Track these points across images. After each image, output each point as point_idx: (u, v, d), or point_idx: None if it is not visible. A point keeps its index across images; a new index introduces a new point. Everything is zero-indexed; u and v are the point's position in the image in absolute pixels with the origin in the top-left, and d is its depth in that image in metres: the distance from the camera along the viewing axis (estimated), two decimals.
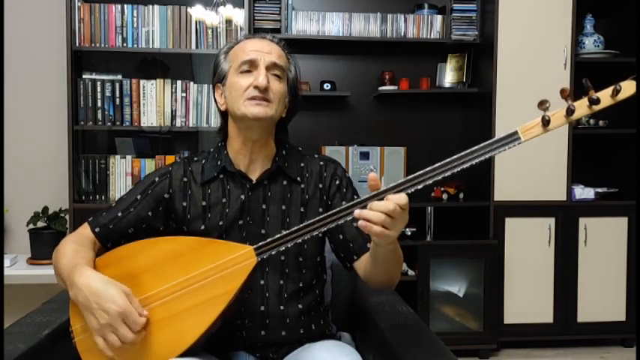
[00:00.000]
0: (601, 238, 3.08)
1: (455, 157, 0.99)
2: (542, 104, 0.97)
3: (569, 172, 3.05)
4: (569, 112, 0.97)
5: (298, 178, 1.31)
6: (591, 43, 3.16)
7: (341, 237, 1.28)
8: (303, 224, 1.05)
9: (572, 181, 3.08)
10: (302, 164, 1.33)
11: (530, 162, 3.02)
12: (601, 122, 3.21)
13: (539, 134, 0.98)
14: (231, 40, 1.34)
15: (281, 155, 1.31)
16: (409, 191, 1.00)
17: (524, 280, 3.04)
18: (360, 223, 0.99)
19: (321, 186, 1.32)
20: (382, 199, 0.99)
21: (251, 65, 1.24)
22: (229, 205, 1.27)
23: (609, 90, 0.96)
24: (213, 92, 1.33)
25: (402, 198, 0.97)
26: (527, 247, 3.04)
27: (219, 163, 1.30)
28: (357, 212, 0.99)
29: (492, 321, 2.96)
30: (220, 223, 1.26)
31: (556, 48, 3.02)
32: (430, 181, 1.00)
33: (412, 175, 1.00)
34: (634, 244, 3.06)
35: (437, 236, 3.04)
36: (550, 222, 3.05)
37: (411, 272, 2.95)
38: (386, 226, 0.98)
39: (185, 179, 1.30)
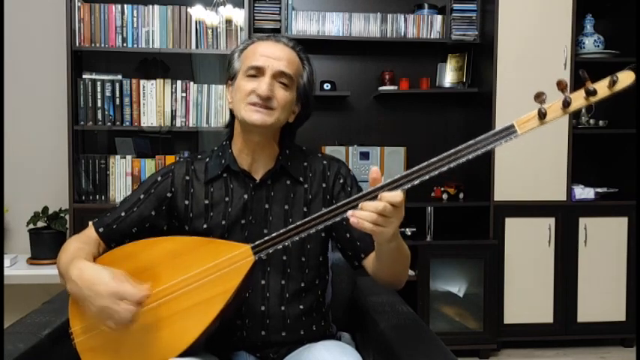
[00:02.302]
0: (601, 238, 3.07)
1: (451, 151, 0.98)
2: (539, 97, 0.95)
3: (569, 172, 3.04)
4: (566, 104, 0.95)
5: (301, 178, 1.30)
6: (591, 43, 3.16)
7: (348, 235, 1.28)
8: (299, 222, 1.05)
9: (572, 181, 3.08)
10: (305, 164, 1.33)
11: (530, 162, 3.02)
12: (601, 122, 3.21)
13: (536, 127, 0.96)
14: (247, 39, 1.32)
15: (284, 155, 1.31)
16: (406, 187, 0.99)
17: (524, 280, 3.04)
18: (352, 220, 0.98)
19: (324, 185, 1.31)
20: (377, 196, 0.98)
21: (258, 71, 1.22)
22: (232, 204, 1.27)
23: (606, 81, 0.95)
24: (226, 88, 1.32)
25: (395, 196, 0.96)
26: (527, 247, 3.04)
27: (223, 161, 1.29)
28: (349, 213, 0.99)
29: (492, 321, 2.96)
30: (223, 222, 1.26)
31: (556, 48, 3.02)
32: (427, 177, 0.98)
33: (408, 171, 0.99)
34: (634, 244, 3.06)
35: (437, 236, 3.04)
36: (550, 222, 3.05)
37: (411, 272, 2.95)
38: (379, 224, 0.97)
39: (187, 178, 1.30)
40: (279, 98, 1.22)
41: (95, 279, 1.06)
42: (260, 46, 1.26)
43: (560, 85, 0.95)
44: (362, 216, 0.97)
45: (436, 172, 0.98)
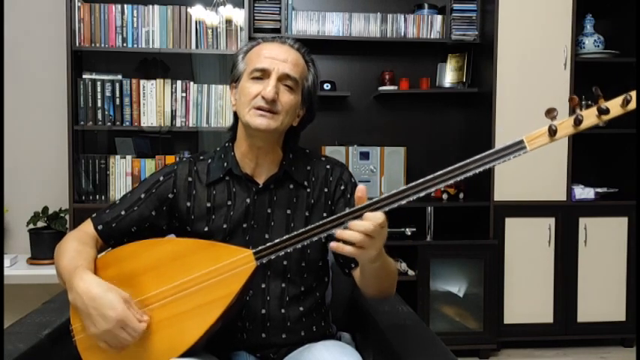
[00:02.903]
0: (601, 238, 3.08)
1: (457, 165, 0.98)
2: (550, 113, 0.93)
3: (569, 172, 3.05)
4: (577, 121, 0.93)
5: (305, 183, 1.29)
6: (591, 43, 3.16)
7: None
8: (301, 230, 1.05)
9: (572, 181, 3.08)
10: (308, 167, 1.32)
11: (530, 162, 3.01)
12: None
13: (546, 144, 0.95)
14: (253, 41, 1.30)
15: (288, 159, 1.30)
16: (412, 198, 0.99)
17: (524, 280, 3.04)
18: (332, 244, 0.99)
19: (326, 190, 1.30)
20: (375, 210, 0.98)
21: (263, 73, 1.20)
22: (234, 208, 1.26)
23: (619, 99, 0.93)
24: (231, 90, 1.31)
25: (377, 217, 0.97)
26: (527, 247, 3.04)
27: (225, 164, 1.28)
28: (337, 232, 0.99)
29: (492, 321, 2.96)
30: (224, 225, 1.25)
31: (556, 48, 3.02)
32: (433, 189, 0.99)
33: (414, 183, 0.99)
34: (634, 244, 3.06)
35: (437, 236, 3.04)
36: (550, 222, 3.05)
37: (411, 272, 2.95)
38: (364, 246, 0.98)
39: (190, 179, 1.29)
40: (284, 102, 1.20)
41: (103, 300, 1.05)
42: (265, 47, 1.24)
43: (573, 102, 0.93)
44: (347, 236, 0.97)
45: (441, 185, 1.00)
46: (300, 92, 1.25)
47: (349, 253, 0.98)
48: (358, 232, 0.97)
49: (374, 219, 0.97)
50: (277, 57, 1.21)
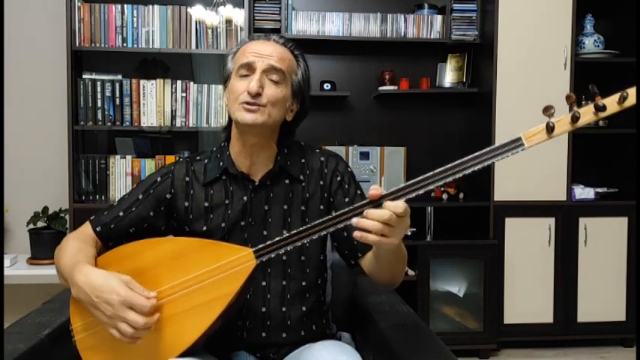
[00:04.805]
0: (601, 238, 3.08)
1: (456, 162, 0.98)
2: (547, 110, 0.94)
3: (569, 172, 3.05)
4: (575, 118, 0.94)
5: (300, 177, 1.30)
6: (591, 43, 3.16)
7: (345, 234, 1.27)
8: (302, 228, 1.05)
9: (572, 181, 3.08)
10: (303, 160, 1.32)
11: (530, 162, 3.01)
12: (601, 122, 3.20)
13: (543, 140, 0.96)
14: (241, 41, 1.32)
15: (283, 154, 1.30)
16: (410, 196, 0.99)
17: (524, 280, 3.04)
18: (356, 234, 0.98)
19: (322, 183, 1.31)
20: (380, 204, 0.98)
21: (248, 69, 1.22)
22: (232, 207, 1.26)
23: (616, 97, 0.94)
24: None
25: (398, 206, 0.96)
26: (527, 247, 3.04)
27: (221, 164, 1.29)
28: (354, 220, 0.98)
29: (492, 321, 2.96)
30: (222, 224, 1.26)
31: (556, 48, 3.02)
32: (431, 187, 0.99)
33: (411, 181, 0.99)
34: (634, 244, 3.06)
35: (437, 236, 3.04)
36: (550, 222, 3.05)
37: (411, 272, 2.95)
38: (384, 234, 0.97)
39: (187, 179, 1.30)
40: (269, 95, 1.21)
41: (104, 286, 1.06)
42: (250, 44, 1.26)
43: (570, 100, 0.94)
44: (367, 225, 0.96)
45: (441, 183, 0.99)
46: (289, 86, 1.25)
47: (372, 241, 0.98)
48: (376, 220, 0.96)
49: (393, 208, 0.96)
50: (262, 52, 1.23)
